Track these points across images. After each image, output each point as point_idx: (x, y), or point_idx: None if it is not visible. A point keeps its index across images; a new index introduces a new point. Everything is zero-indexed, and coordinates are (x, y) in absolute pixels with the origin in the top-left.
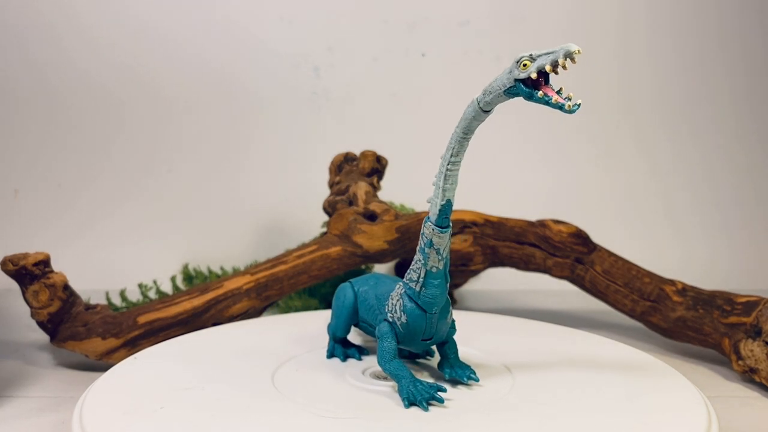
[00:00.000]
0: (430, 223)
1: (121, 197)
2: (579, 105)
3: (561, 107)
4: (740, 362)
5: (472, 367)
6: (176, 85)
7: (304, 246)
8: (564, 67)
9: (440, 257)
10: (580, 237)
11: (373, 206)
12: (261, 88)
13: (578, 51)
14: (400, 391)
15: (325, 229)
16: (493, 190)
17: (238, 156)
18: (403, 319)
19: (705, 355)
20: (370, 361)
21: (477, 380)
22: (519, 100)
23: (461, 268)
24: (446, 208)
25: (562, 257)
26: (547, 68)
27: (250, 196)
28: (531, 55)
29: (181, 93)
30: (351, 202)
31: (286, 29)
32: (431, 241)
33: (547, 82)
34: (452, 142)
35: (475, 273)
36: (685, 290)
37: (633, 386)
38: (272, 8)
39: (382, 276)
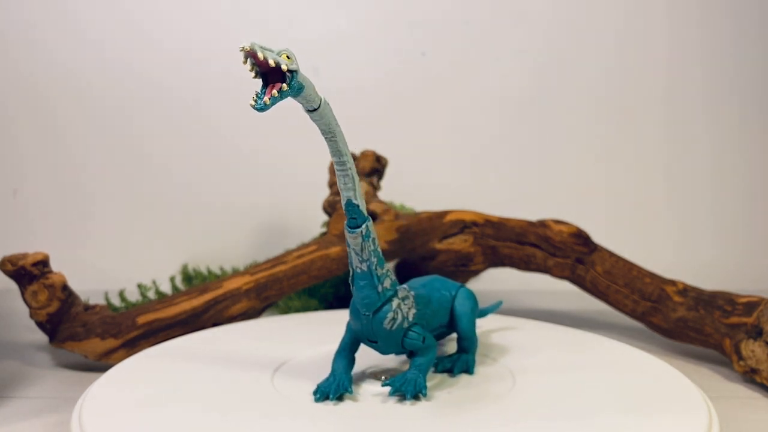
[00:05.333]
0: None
1: (121, 197)
2: (262, 105)
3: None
4: (741, 363)
5: (427, 385)
6: (177, 84)
7: (303, 246)
8: (253, 66)
9: (360, 258)
10: (581, 237)
11: (373, 206)
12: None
13: (241, 48)
14: None
15: (325, 229)
16: (493, 190)
17: (238, 156)
18: (350, 316)
19: (706, 356)
20: (372, 362)
21: (408, 399)
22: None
23: (461, 269)
24: (347, 208)
25: (562, 257)
26: (247, 66)
27: (250, 196)
28: None
29: (182, 92)
30: None
31: (285, 29)
32: (348, 241)
33: (282, 79)
34: None
35: (475, 273)
36: (686, 290)
37: (634, 386)
38: (272, 8)
39: (435, 280)
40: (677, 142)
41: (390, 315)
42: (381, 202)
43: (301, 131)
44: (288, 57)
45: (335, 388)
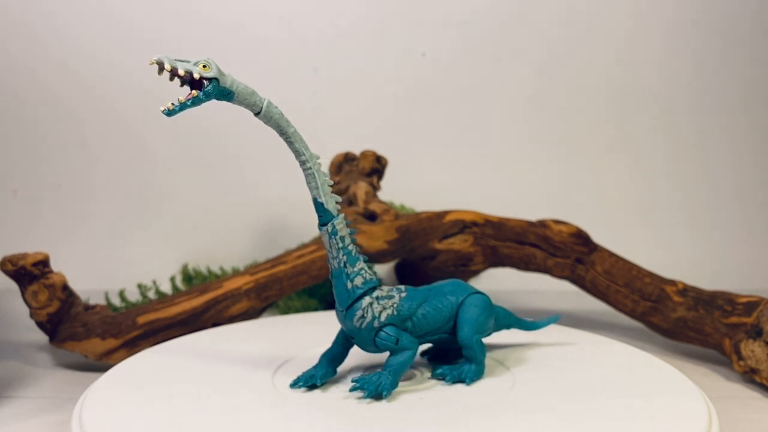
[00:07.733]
0: None
1: (120, 197)
2: (167, 111)
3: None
4: (741, 363)
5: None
6: (176, 84)
7: (303, 246)
8: (173, 78)
9: (332, 255)
10: (581, 237)
11: (373, 206)
12: (261, 88)
13: (151, 62)
14: None
15: None
16: (493, 190)
17: (237, 156)
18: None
19: (706, 356)
20: (372, 363)
21: (365, 397)
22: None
23: (461, 269)
24: (314, 206)
25: (562, 257)
26: (166, 77)
27: (249, 196)
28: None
29: (182, 92)
30: (351, 202)
31: (286, 29)
32: (322, 239)
33: (199, 87)
34: None
35: (475, 273)
36: (685, 290)
37: (634, 386)
38: (272, 8)
39: (448, 284)
40: (677, 141)
41: (359, 313)
42: (381, 202)
43: (301, 131)
44: (204, 66)
45: (306, 378)
